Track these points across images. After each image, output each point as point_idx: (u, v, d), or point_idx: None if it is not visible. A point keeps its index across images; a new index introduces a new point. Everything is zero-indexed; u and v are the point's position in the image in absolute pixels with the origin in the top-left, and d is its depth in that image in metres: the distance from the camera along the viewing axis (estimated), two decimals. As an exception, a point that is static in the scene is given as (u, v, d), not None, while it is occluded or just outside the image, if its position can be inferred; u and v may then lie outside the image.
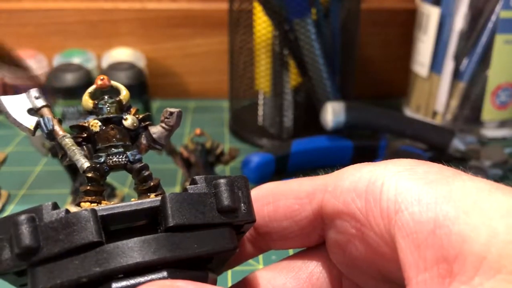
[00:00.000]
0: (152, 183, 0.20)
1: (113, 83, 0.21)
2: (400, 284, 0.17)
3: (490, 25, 0.60)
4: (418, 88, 0.69)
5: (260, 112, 0.65)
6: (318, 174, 0.21)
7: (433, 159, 0.57)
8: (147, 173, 0.20)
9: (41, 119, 0.20)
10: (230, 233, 0.19)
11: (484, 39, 0.61)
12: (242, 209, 0.19)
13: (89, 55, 0.71)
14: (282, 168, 0.54)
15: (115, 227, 0.18)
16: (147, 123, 0.21)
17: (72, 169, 0.48)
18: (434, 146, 0.55)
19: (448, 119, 0.65)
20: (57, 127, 0.20)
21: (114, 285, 0.16)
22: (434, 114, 0.67)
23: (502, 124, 0.65)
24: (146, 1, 0.73)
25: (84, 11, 0.73)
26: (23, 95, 0.20)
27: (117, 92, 0.21)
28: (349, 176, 0.19)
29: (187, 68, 0.76)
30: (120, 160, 0.20)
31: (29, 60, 0.70)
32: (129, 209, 0.18)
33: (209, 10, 0.73)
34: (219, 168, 0.52)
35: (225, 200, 0.19)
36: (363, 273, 0.20)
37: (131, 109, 0.21)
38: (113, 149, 0.20)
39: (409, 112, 0.70)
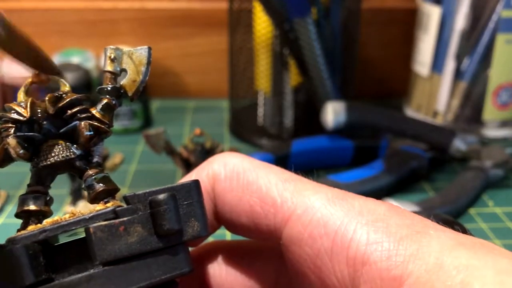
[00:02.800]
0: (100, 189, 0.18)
1: (52, 77, 0.18)
2: None
3: (491, 24, 0.60)
4: (419, 87, 0.68)
5: (260, 112, 0.65)
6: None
7: (434, 159, 0.56)
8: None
9: None
10: (179, 255, 0.17)
11: (485, 38, 0.60)
12: (191, 225, 0.17)
13: (88, 55, 0.71)
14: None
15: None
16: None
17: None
18: (435, 146, 0.55)
19: (449, 119, 0.65)
20: None
21: None
22: (435, 114, 0.66)
23: (504, 124, 0.65)
24: (145, 1, 0.73)
25: (83, 10, 0.72)
26: None
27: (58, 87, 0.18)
28: (321, 207, 0.18)
29: (187, 67, 0.76)
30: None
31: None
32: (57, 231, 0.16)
33: (209, 10, 0.73)
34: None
35: (165, 222, 0.16)
36: None
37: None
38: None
39: (410, 112, 0.70)
